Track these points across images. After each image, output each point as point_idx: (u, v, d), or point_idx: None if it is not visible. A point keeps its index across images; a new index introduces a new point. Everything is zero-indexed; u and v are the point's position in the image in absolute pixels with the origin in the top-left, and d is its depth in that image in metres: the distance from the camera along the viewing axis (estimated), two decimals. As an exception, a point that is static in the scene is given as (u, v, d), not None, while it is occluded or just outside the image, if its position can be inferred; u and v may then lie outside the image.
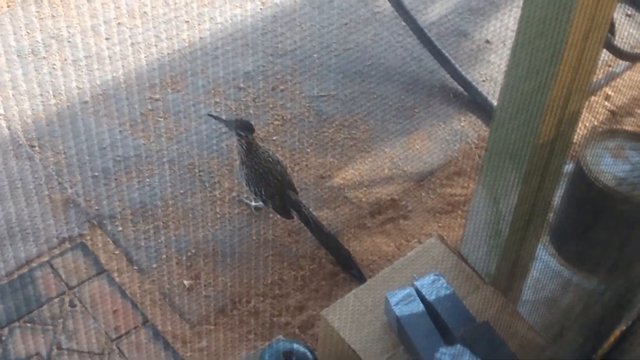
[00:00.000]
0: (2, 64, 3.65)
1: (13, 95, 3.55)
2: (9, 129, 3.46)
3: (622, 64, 3.78)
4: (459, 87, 3.79)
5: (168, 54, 3.76)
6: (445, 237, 3.14)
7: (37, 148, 3.42)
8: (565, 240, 2.80)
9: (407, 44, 3.93)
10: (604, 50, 2.88)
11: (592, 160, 2.65)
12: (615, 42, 3.47)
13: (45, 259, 3.14)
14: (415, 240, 3.32)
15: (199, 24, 3.87)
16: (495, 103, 3.48)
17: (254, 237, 3.29)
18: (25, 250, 3.15)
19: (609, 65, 3.80)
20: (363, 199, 3.43)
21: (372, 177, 3.51)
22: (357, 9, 4.02)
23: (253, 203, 3.35)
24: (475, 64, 3.90)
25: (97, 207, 3.29)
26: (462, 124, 3.71)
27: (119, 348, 2.97)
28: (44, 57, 3.68)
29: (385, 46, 3.92)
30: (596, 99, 3.73)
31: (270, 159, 3.23)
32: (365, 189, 3.47)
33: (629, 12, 3.91)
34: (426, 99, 3.76)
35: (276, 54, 3.83)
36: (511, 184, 2.36)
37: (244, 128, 3.16)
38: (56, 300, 3.05)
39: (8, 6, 3.81)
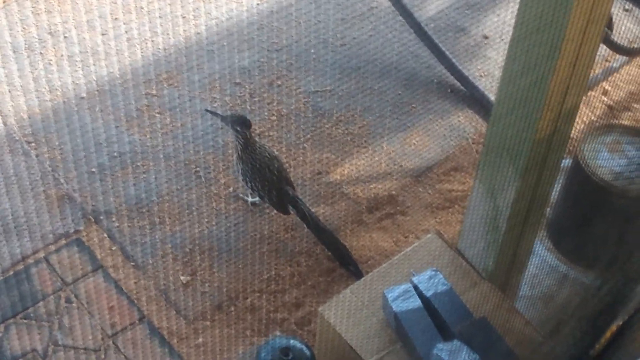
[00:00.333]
0: (-3, 59, 3.64)
1: (9, 91, 3.54)
2: (4, 124, 3.45)
3: (620, 58, 3.78)
4: (457, 82, 3.78)
5: (164, 49, 3.75)
6: (443, 233, 3.14)
7: (32, 144, 3.41)
8: (563, 235, 2.79)
9: (404, 39, 3.92)
10: (602, 45, 2.88)
11: (590, 155, 2.65)
12: (613, 37, 3.47)
13: (41, 255, 3.13)
14: (413, 235, 3.32)
15: (195, 19, 3.86)
16: (493, 98, 3.48)
17: (251, 233, 3.28)
18: (20, 247, 3.14)
19: (607, 60, 3.80)
20: (360, 195, 3.42)
21: (370, 172, 3.50)
22: (354, 4, 4.01)
23: (250, 199, 3.35)
24: (472, 59, 3.89)
25: (93, 203, 3.29)
26: (459, 120, 3.70)
27: (115, 344, 2.97)
28: (40, 53, 3.67)
29: (382, 41, 3.91)
30: (594, 93, 3.73)
31: (267, 155, 3.22)
32: (362, 184, 3.46)
33: (627, 7, 3.90)
34: (424, 95, 3.75)
35: (273, 49, 3.82)
36: (509, 179, 2.36)
37: (240, 123, 3.15)
38: (52, 296, 3.04)
39: (3, 1, 3.79)
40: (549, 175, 2.38)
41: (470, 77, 3.76)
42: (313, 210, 3.26)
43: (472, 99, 3.75)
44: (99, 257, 3.15)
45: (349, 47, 3.87)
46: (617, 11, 3.91)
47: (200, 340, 3.01)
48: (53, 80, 3.60)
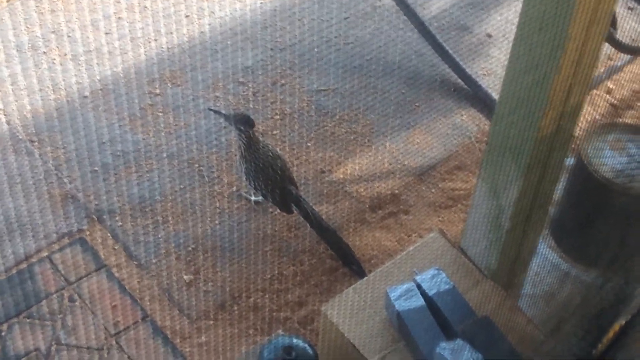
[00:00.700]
0: (1, 59, 3.64)
1: (12, 91, 3.54)
2: (8, 124, 3.45)
3: (624, 57, 3.77)
4: (460, 81, 3.78)
5: (168, 48, 3.75)
6: (446, 232, 3.13)
7: (36, 143, 3.42)
8: (565, 233, 2.79)
9: (408, 38, 3.92)
10: (606, 43, 2.87)
11: (593, 153, 2.65)
12: (617, 36, 3.47)
13: (45, 254, 3.14)
14: (416, 234, 3.31)
15: (198, 18, 3.86)
16: (496, 97, 3.47)
17: (254, 232, 3.28)
18: (24, 246, 3.15)
19: (611, 59, 3.79)
20: (363, 194, 3.42)
21: (373, 171, 3.50)
22: (357, 3, 4.01)
23: (253, 198, 3.35)
24: (476, 57, 3.89)
25: (96, 202, 3.29)
26: (463, 118, 3.70)
27: (118, 343, 2.97)
28: (44, 52, 3.68)
29: (386, 40, 3.90)
30: (597, 92, 3.72)
31: (271, 154, 3.22)
32: (365, 183, 3.46)
33: (631, 6, 3.90)
34: (427, 93, 3.75)
35: (276, 48, 3.82)
36: (512, 177, 2.35)
37: (244, 122, 3.15)
38: (55, 295, 3.05)
39: (7, 1, 3.80)
40: (552, 174, 2.37)
41: (473, 76, 3.76)
42: (316, 209, 3.26)
43: (476, 97, 3.74)
44: (102, 256, 3.16)
45: (353, 46, 3.87)
46: (621, 10, 3.91)
47: (203, 339, 3.01)
48: (57, 80, 3.60)
